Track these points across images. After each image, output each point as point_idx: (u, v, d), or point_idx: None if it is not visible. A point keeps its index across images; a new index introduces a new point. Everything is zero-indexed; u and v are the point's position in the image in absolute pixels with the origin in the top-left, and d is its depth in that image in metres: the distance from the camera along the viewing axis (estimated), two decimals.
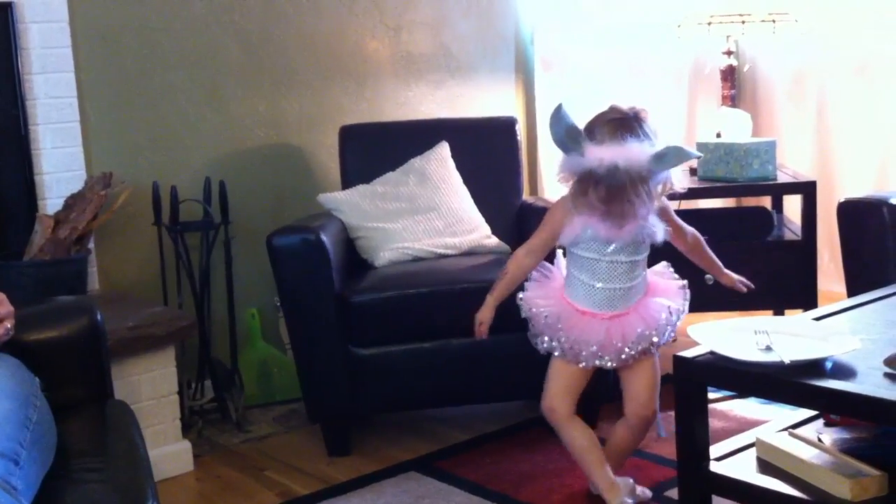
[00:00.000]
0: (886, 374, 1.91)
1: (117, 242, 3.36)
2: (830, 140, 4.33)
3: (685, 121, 4.59)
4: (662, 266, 2.60)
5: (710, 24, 3.91)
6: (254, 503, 2.79)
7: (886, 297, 2.47)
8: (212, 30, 3.56)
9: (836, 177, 4.29)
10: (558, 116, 2.39)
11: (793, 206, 3.93)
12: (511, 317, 2.60)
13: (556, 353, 2.51)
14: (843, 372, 1.94)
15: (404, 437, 3.16)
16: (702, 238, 2.63)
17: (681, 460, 2.16)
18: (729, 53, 4.08)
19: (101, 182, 3.06)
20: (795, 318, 2.42)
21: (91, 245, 3.17)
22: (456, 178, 3.46)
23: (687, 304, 2.53)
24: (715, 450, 2.18)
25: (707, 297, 3.24)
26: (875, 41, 4.12)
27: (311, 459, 3.04)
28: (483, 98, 4.24)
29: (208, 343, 3.36)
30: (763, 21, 3.88)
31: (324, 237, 2.95)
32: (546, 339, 2.50)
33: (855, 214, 2.89)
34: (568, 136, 2.38)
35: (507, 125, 3.64)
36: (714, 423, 2.60)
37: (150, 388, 2.91)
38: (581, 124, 2.42)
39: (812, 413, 2.30)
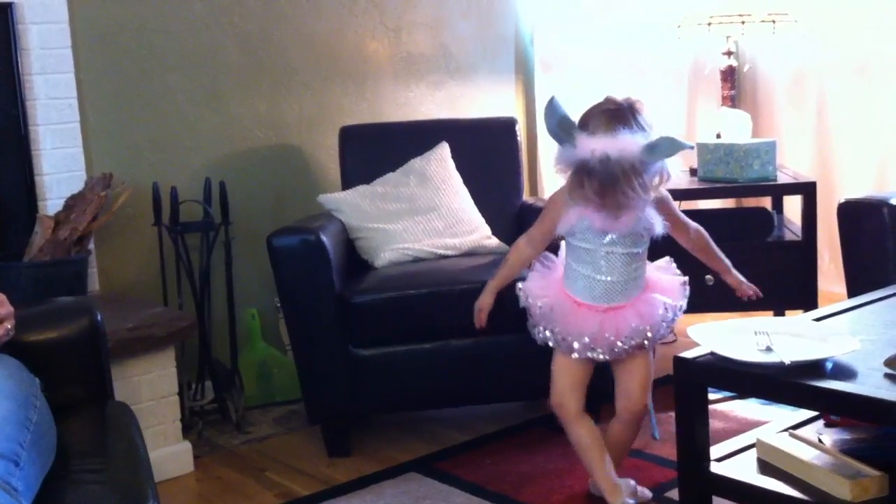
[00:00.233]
0: (886, 375, 1.91)
1: (117, 243, 3.36)
2: (830, 140, 4.33)
3: (685, 121, 4.59)
4: (665, 261, 2.59)
5: (709, 24, 3.91)
6: None
7: (886, 298, 2.46)
8: (212, 30, 3.56)
9: (836, 177, 4.29)
10: (551, 108, 2.41)
11: (793, 206, 3.93)
12: (511, 317, 2.60)
13: (550, 344, 2.51)
14: (844, 373, 1.94)
15: (404, 438, 3.16)
16: (706, 234, 2.61)
17: (681, 461, 2.16)
18: (729, 54, 4.07)
19: (101, 183, 3.06)
20: (796, 319, 2.42)
21: (91, 246, 3.17)
22: (456, 179, 3.46)
23: (686, 301, 2.53)
24: (715, 451, 2.18)
25: (707, 298, 3.25)
26: (875, 41, 4.12)
27: (311, 460, 3.04)
28: (483, 99, 4.24)
29: (208, 344, 3.36)
30: (763, 21, 3.88)
31: (324, 238, 2.95)
32: (541, 328, 2.51)
33: (855, 215, 2.88)
34: (560, 128, 2.40)
35: (507, 126, 3.64)
36: (714, 424, 2.60)
37: (150, 388, 2.90)
38: (577, 118, 2.43)
39: (812, 414, 2.30)
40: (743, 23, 3.88)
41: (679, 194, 3.39)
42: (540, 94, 4.28)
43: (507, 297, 2.61)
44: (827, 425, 2.24)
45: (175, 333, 2.92)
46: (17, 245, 3.07)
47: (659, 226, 2.43)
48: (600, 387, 2.65)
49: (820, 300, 3.52)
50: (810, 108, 4.39)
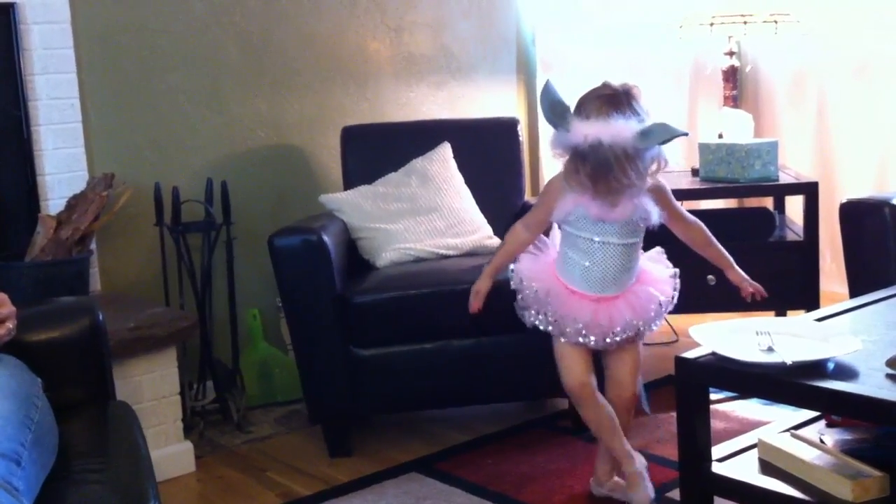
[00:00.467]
0: (888, 375, 1.90)
1: (119, 243, 3.36)
2: (832, 140, 4.33)
3: (686, 121, 4.59)
4: (656, 252, 2.59)
5: (711, 24, 3.91)
6: None
7: (888, 298, 2.46)
8: (213, 31, 3.56)
9: (837, 177, 4.29)
10: (546, 92, 2.41)
11: (795, 206, 3.93)
12: (511, 317, 2.59)
13: (540, 327, 2.50)
14: (845, 373, 1.94)
15: (405, 438, 3.16)
16: (706, 229, 2.60)
17: (682, 461, 2.16)
18: (731, 54, 4.07)
19: (102, 183, 3.06)
20: (797, 319, 2.42)
21: (93, 246, 3.17)
22: (458, 179, 3.46)
23: (676, 293, 2.53)
24: (716, 451, 2.18)
25: (709, 298, 3.25)
26: (876, 41, 4.12)
27: (312, 460, 3.04)
28: (484, 99, 4.24)
29: (210, 344, 3.36)
30: (765, 22, 3.88)
31: (325, 238, 2.95)
32: (533, 312, 2.51)
33: (857, 215, 2.88)
34: (553, 112, 2.39)
35: (508, 126, 3.64)
36: (716, 424, 2.60)
37: (151, 388, 2.91)
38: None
39: (814, 414, 2.30)
40: (745, 23, 3.88)
41: (681, 194, 3.39)
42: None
43: (507, 297, 2.61)
44: (828, 425, 2.24)
45: (176, 333, 2.92)
46: (18, 245, 3.07)
47: (655, 215, 2.42)
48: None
49: (822, 300, 3.52)
50: (812, 108, 4.38)
